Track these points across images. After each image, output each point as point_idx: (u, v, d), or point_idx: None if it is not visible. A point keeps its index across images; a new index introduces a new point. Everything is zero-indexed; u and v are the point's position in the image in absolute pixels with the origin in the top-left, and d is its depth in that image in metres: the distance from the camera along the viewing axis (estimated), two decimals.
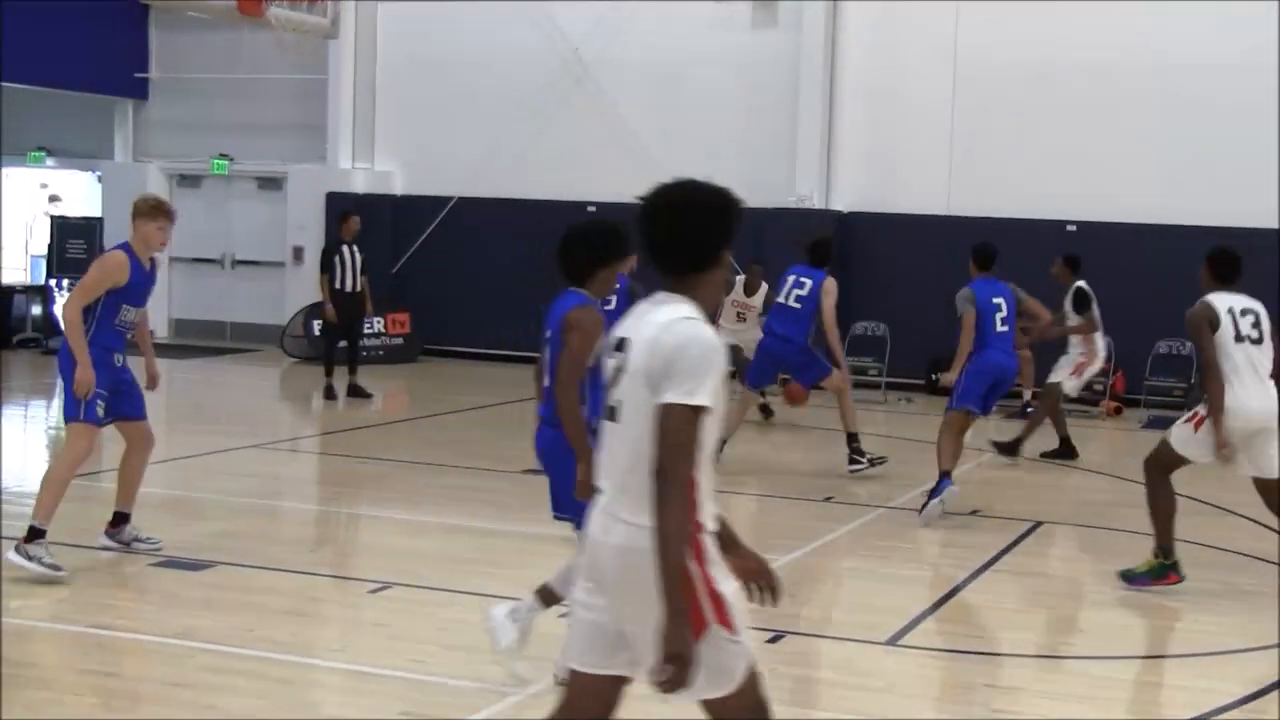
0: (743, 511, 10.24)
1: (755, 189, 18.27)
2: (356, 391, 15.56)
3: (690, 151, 18.86)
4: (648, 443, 3.68)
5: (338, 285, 15.31)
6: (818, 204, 18.21)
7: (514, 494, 10.73)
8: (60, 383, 8.02)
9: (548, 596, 6.21)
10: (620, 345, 3.87)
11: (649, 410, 3.69)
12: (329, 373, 15.56)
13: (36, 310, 20.42)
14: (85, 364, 7.78)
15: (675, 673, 3.59)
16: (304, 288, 19.07)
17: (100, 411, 7.95)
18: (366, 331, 18.59)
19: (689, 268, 3.87)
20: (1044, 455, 12.87)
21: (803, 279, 11.87)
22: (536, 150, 19.58)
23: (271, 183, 21.31)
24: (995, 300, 10.70)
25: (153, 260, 8.21)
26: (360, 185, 20.34)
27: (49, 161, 22.80)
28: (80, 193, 23.18)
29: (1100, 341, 13.37)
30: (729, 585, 3.81)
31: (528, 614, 6.20)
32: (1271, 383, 8.08)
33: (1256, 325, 8.07)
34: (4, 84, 20.09)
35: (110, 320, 8.01)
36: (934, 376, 17.03)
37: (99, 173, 22.46)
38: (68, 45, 20.26)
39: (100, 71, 21.19)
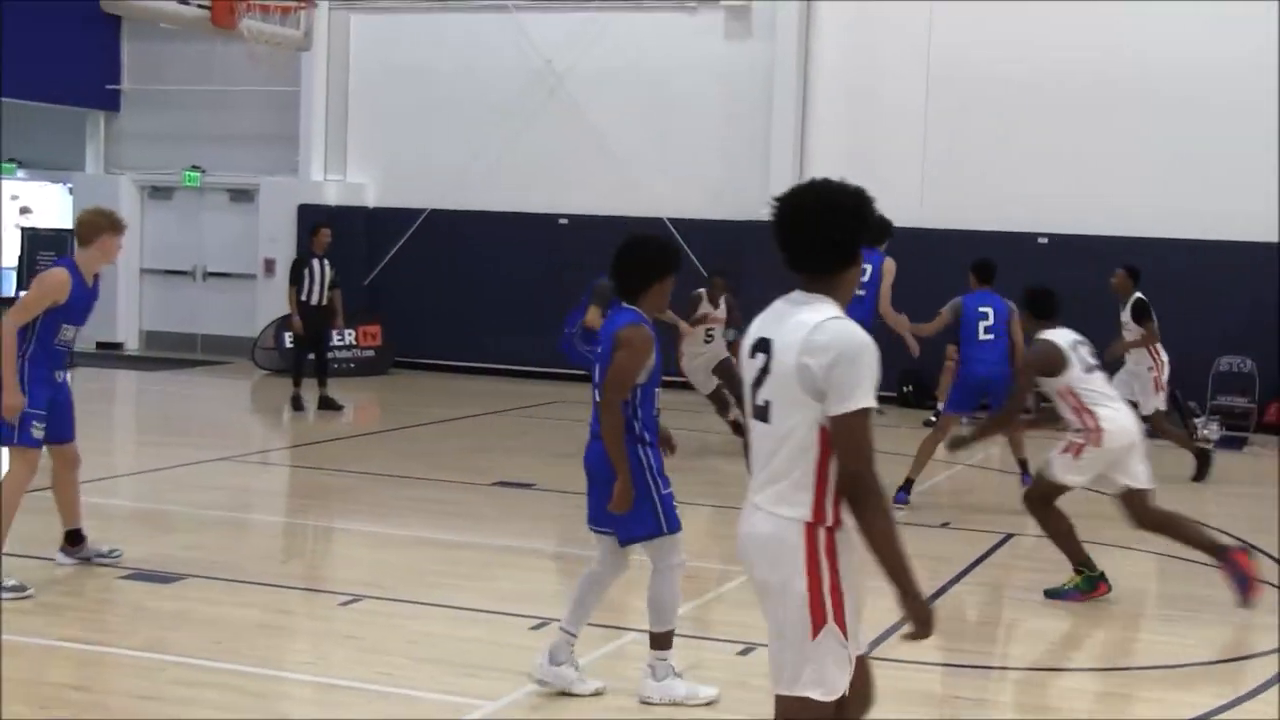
0: (705, 523, 10.25)
1: (729, 199, 18.47)
2: (327, 404, 15.56)
3: (665, 161, 18.98)
4: (801, 440, 3.86)
5: (305, 297, 15.32)
6: None
7: (485, 506, 10.75)
8: None
9: (661, 640, 6.24)
10: (762, 347, 3.95)
11: (803, 409, 3.85)
12: (297, 384, 15.56)
13: None
14: (12, 387, 7.56)
15: (922, 630, 3.90)
16: (275, 300, 19.02)
17: (38, 434, 7.79)
18: (338, 343, 18.59)
19: (827, 268, 3.97)
20: (1194, 479, 12.62)
21: (982, 309, 11.37)
22: (510, 162, 19.59)
23: (243, 195, 21.27)
24: (982, 309, 10.94)
25: (96, 276, 8.00)
26: (333, 197, 20.32)
27: (20, 173, 22.74)
28: (52, 205, 23.10)
29: (1163, 350, 12.95)
30: (852, 589, 3.94)
31: (665, 665, 6.25)
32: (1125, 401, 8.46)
33: (1092, 352, 8.38)
34: None
35: (50, 339, 7.80)
36: (905, 389, 17.18)
37: (70, 184, 22.39)
38: (39, 57, 20.18)
39: (72, 83, 21.13)
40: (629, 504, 5.97)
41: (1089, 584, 8.30)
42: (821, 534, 3.88)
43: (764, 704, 6.39)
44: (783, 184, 18.31)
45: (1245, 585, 7.89)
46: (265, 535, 10.18)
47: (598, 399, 6.12)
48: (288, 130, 20.73)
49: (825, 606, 3.87)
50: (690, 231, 18.12)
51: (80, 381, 8.46)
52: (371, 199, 20.55)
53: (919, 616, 3.88)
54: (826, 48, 18.40)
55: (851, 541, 3.94)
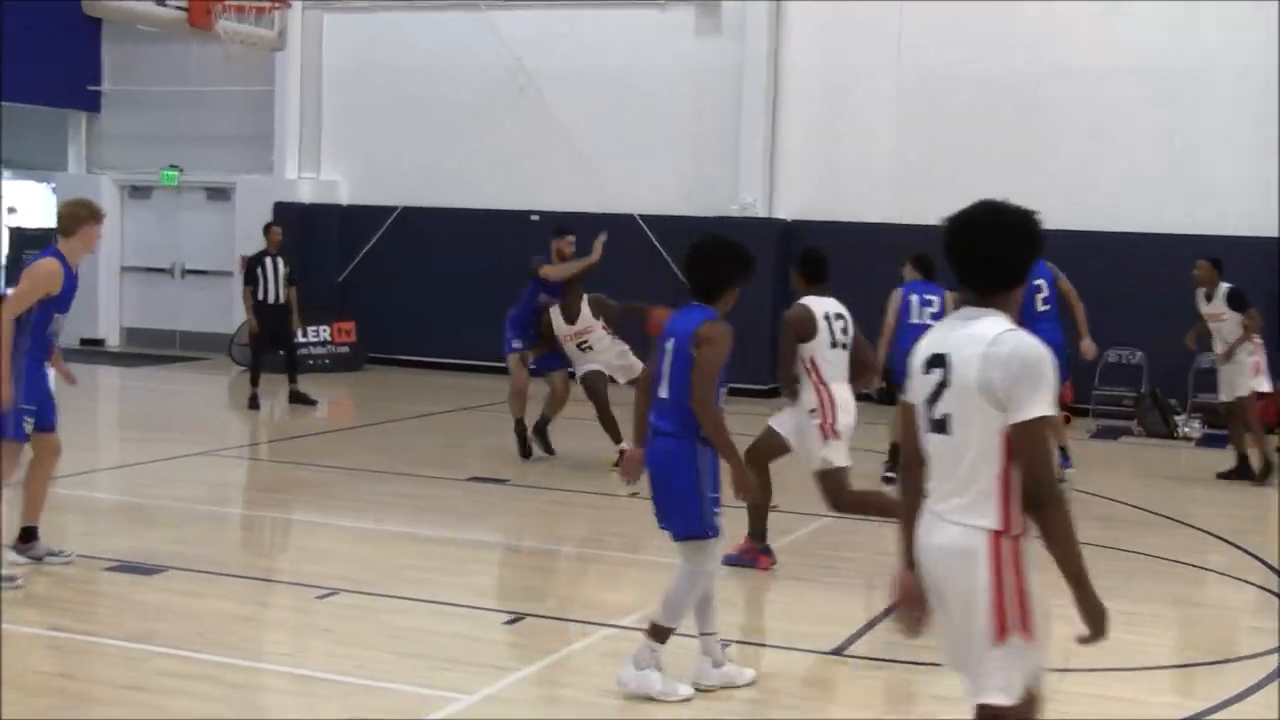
0: None
1: (700, 197, 18.71)
2: (298, 398, 15.77)
3: (636, 158, 19.19)
4: (983, 450, 4.01)
5: (261, 296, 15.54)
6: (761, 212, 18.48)
7: (461, 500, 10.99)
8: None
9: (659, 632, 6.28)
10: (937, 362, 4.13)
11: (984, 419, 4.00)
12: (254, 383, 15.68)
13: None
14: (7, 380, 7.70)
15: (1098, 633, 4.07)
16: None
17: (27, 429, 7.98)
18: (313, 340, 18.83)
19: (997, 286, 4.14)
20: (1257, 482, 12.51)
21: (928, 296, 11.75)
22: (481, 159, 19.80)
23: (220, 193, 21.46)
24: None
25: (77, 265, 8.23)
26: (307, 195, 20.53)
27: (5, 174, 22.88)
28: (36, 204, 23.28)
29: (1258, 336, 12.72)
30: (1038, 595, 4.07)
31: (651, 655, 6.28)
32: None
33: (845, 330, 8.40)
34: None
35: (42, 330, 8.01)
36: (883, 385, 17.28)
37: (53, 184, 22.57)
38: (23, 60, 20.34)
39: (54, 85, 21.33)
40: (752, 488, 6.25)
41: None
42: (1007, 542, 4.02)
43: (748, 709, 6.55)
44: (753, 181, 18.32)
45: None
46: (244, 529, 10.44)
47: (663, 395, 6.20)
48: (263, 129, 20.93)
49: (1012, 613, 4.01)
50: (661, 228, 18.40)
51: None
52: (345, 196, 20.76)
53: (1096, 618, 4.04)
54: (795, 51, 18.58)
55: (1033, 547, 4.07)
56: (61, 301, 8.07)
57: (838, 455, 8.25)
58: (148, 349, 21.22)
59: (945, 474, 4.12)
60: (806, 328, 8.25)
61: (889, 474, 11.25)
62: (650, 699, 6.27)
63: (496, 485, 11.55)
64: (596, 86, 19.43)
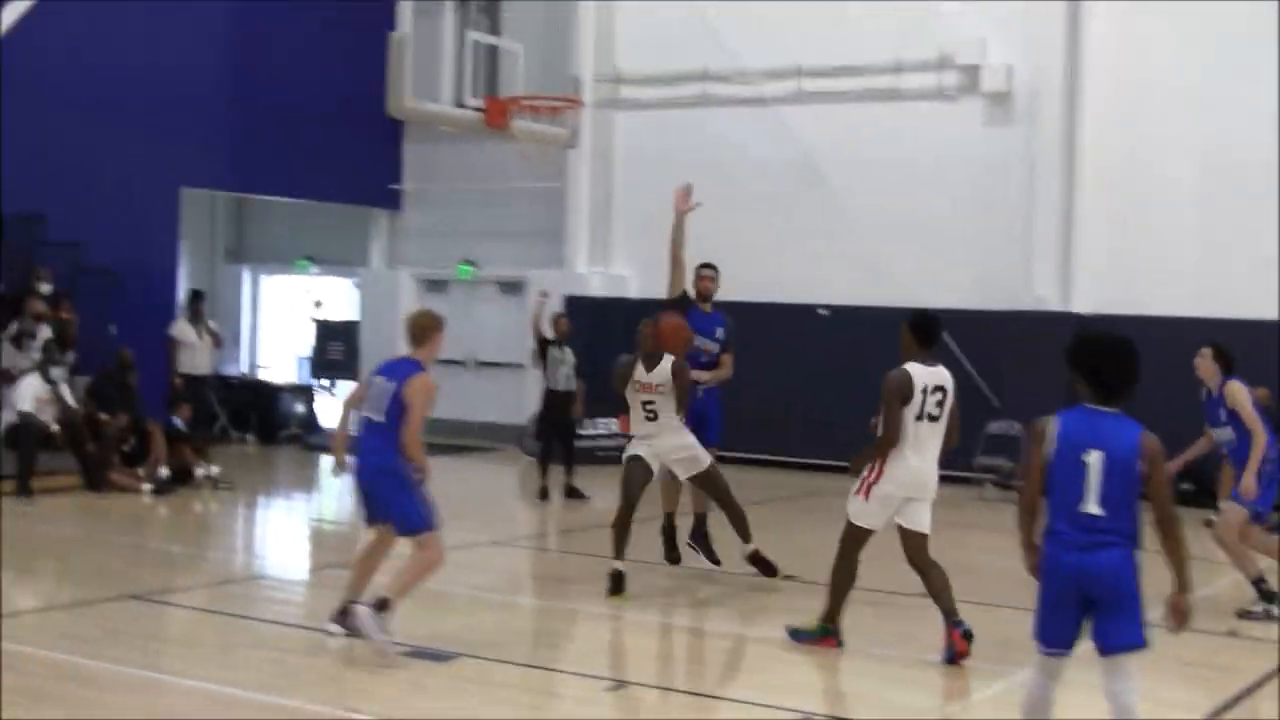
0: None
1: (992, 290, 18.30)
2: (572, 493, 15.83)
3: (925, 252, 18.94)
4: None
5: (550, 384, 15.78)
6: (1056, 306, 17.96)
7: (738, 598, 10.82)
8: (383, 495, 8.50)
9: None
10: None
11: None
12: (543, 473, 15.87)
13: (300, 408, 21.58)
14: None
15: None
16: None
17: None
18: (600, 432, 19.04)
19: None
20: None
21: None
22: (768, 253, 19.85)
23: (512, 287, 22.10)
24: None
25: None
26: (597, 289, 20.93)
27: (313, 269, 24.18)
28: (340, 298, 24.52)
29: None
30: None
31: None
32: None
33: (941, 404, 8.58)
34: (280, 199, 21.60)
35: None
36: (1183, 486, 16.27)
37: (357, 279, 23.69)
38: (331, 161, 21.60)
39: (359, 184, 22.49)
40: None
41: (822, 633, 8.82)
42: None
43: None
44: (1047, 273, 17.74)
45: (953, 655, 8.50)
46: (534, 617, 10.50)
47: (1097, 512, 5.78)
48: (554, 224, 21.51)
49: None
50: (951, 322, 17.97)
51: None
52: (634, 290, 21.06)
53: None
54: (1089, 141, 18.13)
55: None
56: None
57: (858, 512, 8.64)
58: (443, 439, 21.85)
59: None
60: (906, 391, 8.47)
61: None
62: None
63: (783, 581, 11.34)
64: (885, 179, 19.32)
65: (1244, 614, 10.20)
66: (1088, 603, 5.76)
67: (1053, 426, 5.85)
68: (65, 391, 15.08)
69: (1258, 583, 10.24)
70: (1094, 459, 5.75)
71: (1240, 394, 10.16)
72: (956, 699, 8.10)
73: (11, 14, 16.50)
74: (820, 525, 14.11)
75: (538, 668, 8.52)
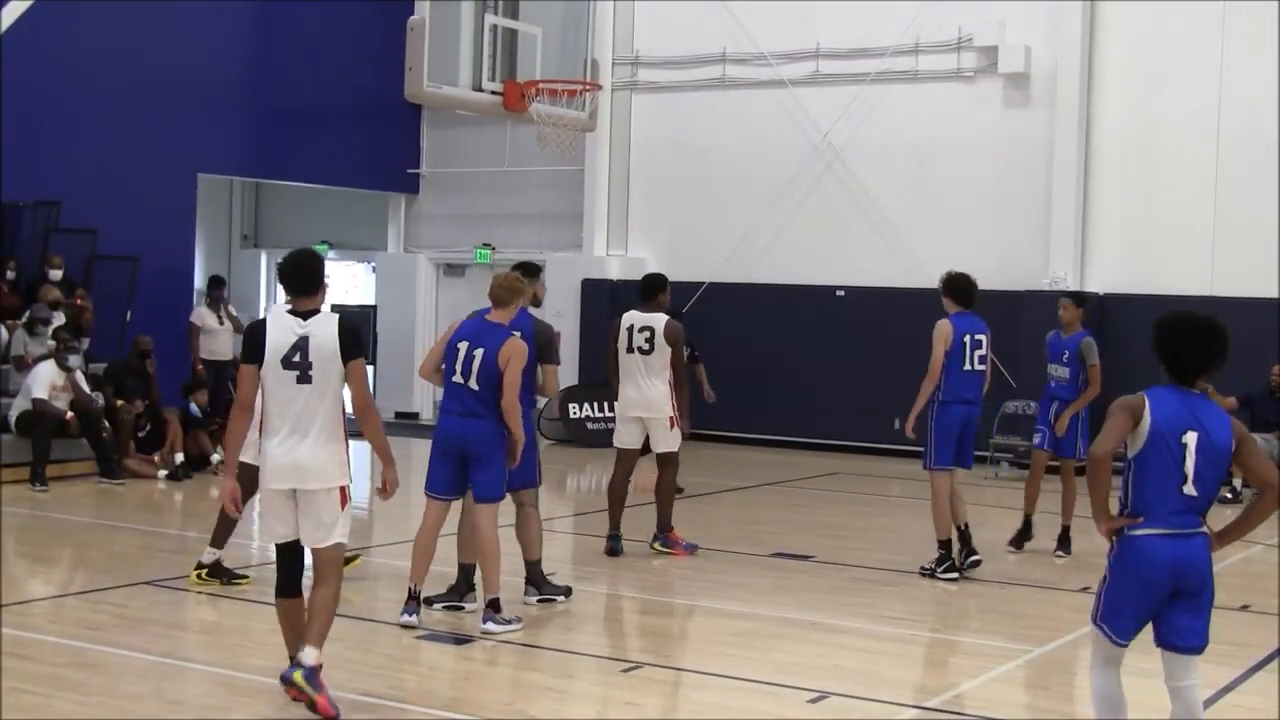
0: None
1: (1007, 270, 18.23)
2: None
3: (941, 233, 18.89)
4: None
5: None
6: (1072, 285, 17.89)
7: (762, 577, 10.83)
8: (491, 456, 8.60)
9: None
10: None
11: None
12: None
13: None
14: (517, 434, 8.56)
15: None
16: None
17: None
18: (610, 415, 19.00)
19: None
20: None
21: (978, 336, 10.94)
22: (786, 235, 19.85)
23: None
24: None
25: None
26: (615, 271, 20.92)
27: (331, 254, 24.21)
28: (357, 282, 24.54)
29: None
30: None
31: None
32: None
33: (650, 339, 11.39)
34: (298, 184, 21.61)
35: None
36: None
37: (373, 264, 23.71)
38: (349, 146, 21.63)
39: (377, 169, 22.51)
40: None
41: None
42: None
43: None
44: (1064, 254, 17.79)
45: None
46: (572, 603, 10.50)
47: (1191, 493, 5.62)
48: (573, 208, 21.50)
49: None
50: None
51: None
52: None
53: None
54: (1107, 123, 18.10)
55: None
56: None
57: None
58: None
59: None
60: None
61: None
62: None
63: (800, 561, 11.37)
64: (903, 161, 19.29)
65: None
66: (1172, 595, 5.57)
67: (1148, 405, 5.61)
68: (80, 379, 15.11)
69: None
70: (1191, 440, 5.60)
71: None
72: (972, 676, 8.08)
73: (11, 15, 16.53)
74: (835, 504, 14.10)
75: (554, 650, 8.53)
